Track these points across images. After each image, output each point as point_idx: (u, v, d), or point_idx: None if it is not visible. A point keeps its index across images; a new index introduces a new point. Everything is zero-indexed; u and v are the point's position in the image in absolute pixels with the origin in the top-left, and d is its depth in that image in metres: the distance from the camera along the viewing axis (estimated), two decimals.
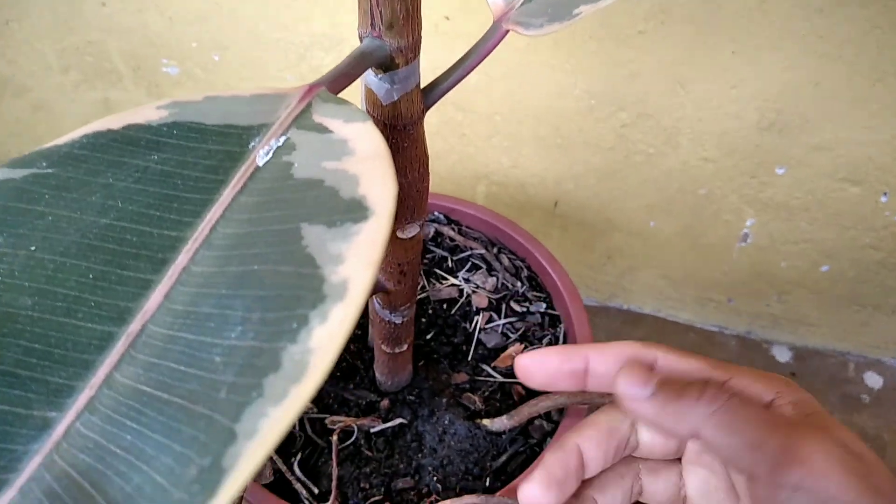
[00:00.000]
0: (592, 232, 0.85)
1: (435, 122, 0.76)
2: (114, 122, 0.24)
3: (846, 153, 0.69)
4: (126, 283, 0.20)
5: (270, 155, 0.22)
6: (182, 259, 0.20)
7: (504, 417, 0.53)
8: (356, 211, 0.17)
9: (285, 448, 0.52)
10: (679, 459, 0.35)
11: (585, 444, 0.34)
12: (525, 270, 0.63)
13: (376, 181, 0.18)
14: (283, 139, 0.22)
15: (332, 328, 0.15)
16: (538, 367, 0.35)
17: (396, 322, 0.47)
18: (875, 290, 0.81)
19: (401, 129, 0.33)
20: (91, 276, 0.20)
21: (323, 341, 0.14)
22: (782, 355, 0.91)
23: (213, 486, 0.14)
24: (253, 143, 0.23)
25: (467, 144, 0.79)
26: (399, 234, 0.39)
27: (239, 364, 0.15)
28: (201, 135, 0.23)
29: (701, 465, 0.33)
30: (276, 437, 0.14)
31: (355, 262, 0.15)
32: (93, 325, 0.19)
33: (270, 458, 0.50)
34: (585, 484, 0.35)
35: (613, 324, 0.93)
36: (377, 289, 0.43)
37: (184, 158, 0.23)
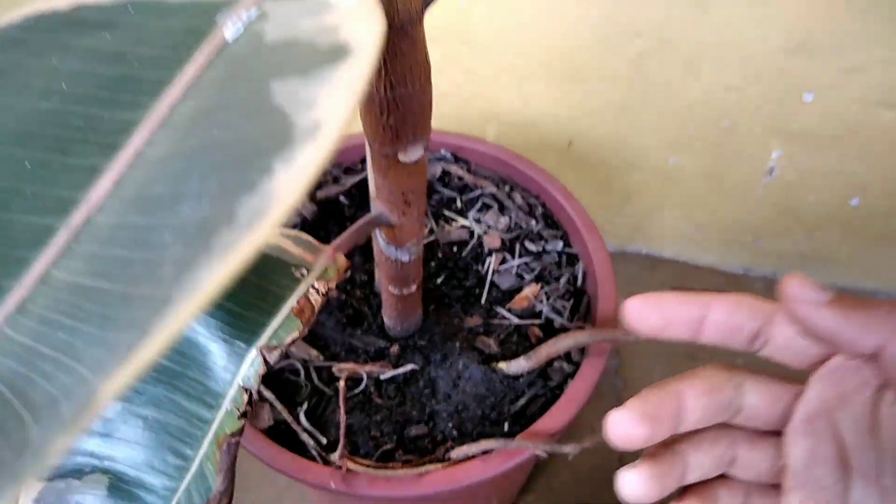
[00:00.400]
0: (609, 172, 0.81)
1: (438, 57, 0.72)
2: (60, 1, 0.21)
3: (881, 75, 0.64)
4: (70, 171, 0.16)
5: (241, 28, 0.19)
6: (136, 142, 0.17)
7: (521, 359, 0.50)
8: (335, 55, 0.14)
9: (290, 398, 0.49)
10: (776, 433, 0.32)
11: (688, 391, 0.31)
12: (539, 208, 0.59)
13: (359, 22, 0.14)
14: (254, 11, 0.19)
15: (298, 169, 0.11)
16: (653, 310, 0.31)
17: (403, 260, 0.44)
18: None
19: (398, 29, 0.29)
20: (28, 164, 0.17)
21: (285, 184, 0.11)
22: None
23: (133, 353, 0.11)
24: (221, 18, 0.19)
25: (474, 82, 0.75)
26: (401, 158, 0.36)
27: (190, 235, 0.12)
28: (161, 12, 0.20)
29: (810, 434, 0.30)
30: (212, 290, 0.11)
31: (330, 100, 0.12)
32: (28, 217, 0.16)
33: (268, 402, 0.48)
34: (678, 438, 0.32)
35: (632, 269, 0.90)
36: (380, 222, 0.40)
37: (140, 36, 0.19)
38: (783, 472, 0.31)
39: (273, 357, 0.33)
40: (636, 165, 0.79)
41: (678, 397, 0.30)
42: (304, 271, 0.36)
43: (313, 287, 0.35)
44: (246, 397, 0.33)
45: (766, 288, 0.88)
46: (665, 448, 0.32)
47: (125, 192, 0.16)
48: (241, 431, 0.33)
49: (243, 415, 0.32)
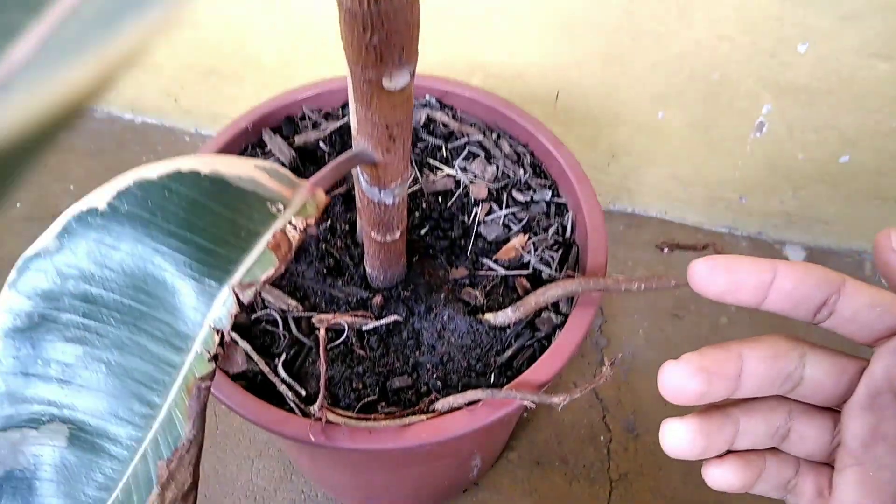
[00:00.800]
0: (596, 127, 0.79)
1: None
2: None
3: (880, 24, 0.62)
4: None
5: None
6: None
7: (508, 310, 0.48)
8: None
9: (267, 349, 0.47)
10: (832, 410, 0.30)
11: (750, 354, 0.29)
12: (528, 156, 0.57)
13: None
14: None
15: None
16: (722, 273, 0.29)
17: (387, 202, 0.42)
18: None
19: None
20: None
21: None
22: (795, 255, 0.86)
23: None
24: None
25: (460, 30, 0.72)
26: (386, 85, 0.33)
27: None
28: None
29: (873, 410, 0.28)
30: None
31: None
32: None
33: (241, 347, 0.46)
34: (732, 402, 0.30)
35: (617, 228, 0.88)
36: (362, 159, 0.38)
37: None
38: (839, 450, 0.29)
39: (247, 296, 0.31)
40: (624, 119, 0.77)
41: (739, 358, 0.28)
42: (281, 206, 0.33)
43: (290, 223, 0.32)
44: (217, 339, 0.30)
45: (751, 247, 0.87)
46: (717, 409, 0.30)
47: None
48: (211, 375, 0.30)
49: (214, 358, 0.30)
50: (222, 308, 0.31)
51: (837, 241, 0.86)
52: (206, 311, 0.31)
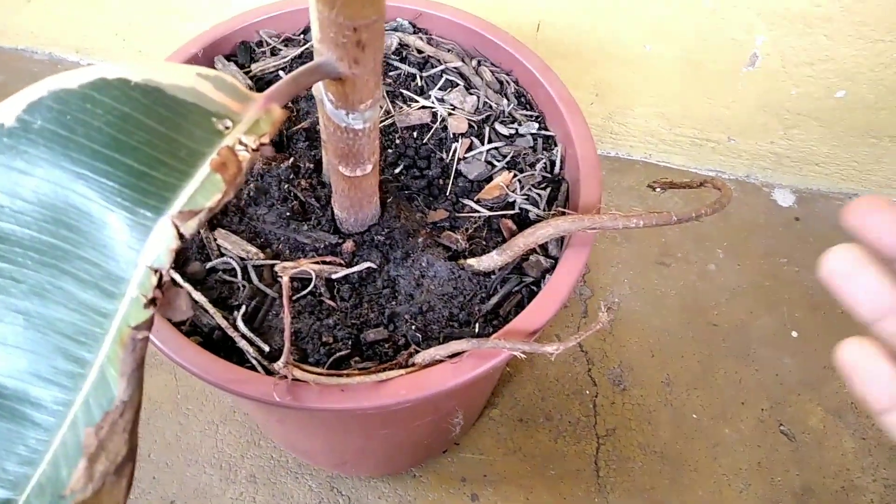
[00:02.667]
0: (580, 62, 0.73)
1: None
2: None
3: None
4: None
5: None
6: None
7: (494, 254, 0.44)
8: None
9: (225, 301, 0.42)
10: None
11: None
12: (512, 85, 0.52)
13: None
14: None
15: None
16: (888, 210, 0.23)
17: (356, 127, 0.36)
18: (894, 119, 0.72)
19: None
20: None
21: None
22: (785, 199, 0.82)
23: None
24: None
25: None
26: None
27: None
28: None
29: None
30: None
31: None
32: None
33: (181, 288, 0.40)
34: None
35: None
36: (325, 72, 0.32)
37: None
38: None
39: (189, 227, 0.25)
40: (610, 53, 0.72)
41: None
42: (229, 123, 0.28)
43: (240, 142, 0.27)
44: (155, 280, 0.25)
45: (739, 190, 0.83)
46: None
47: None
48: (149, 324, 0.25)
49: (152, 302, 0.25)
50: (160, 243, 0.25)
51: (828, 183, 0.82)
52: (141, 248, 0.26)
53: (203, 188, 0.26)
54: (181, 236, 0.25)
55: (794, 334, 0.73)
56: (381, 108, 0.49)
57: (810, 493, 0.64)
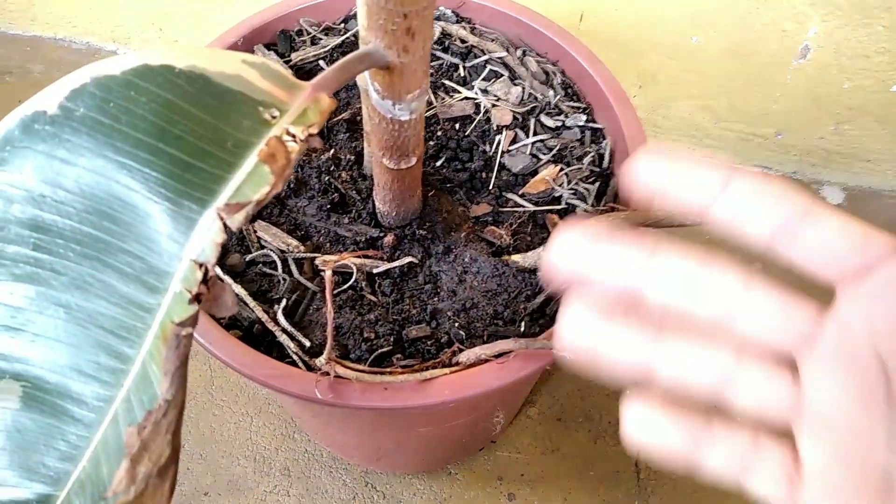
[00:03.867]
0: (623, 53, 0.71)
1: None
2: None
3: None
4: None
5: None
6: None
7: (541, 250, 0.42)
8: None
9: (265, 294, 0.41)
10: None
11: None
12: (558, 76, 0.50)
13: None
14: None
15: None
16: (666, 163, 0.22)
17: (402, 119, 0.35)
18: None
19: None
20: None
21: None
22: (834, 196, 0.80)
23: None
24: None
25: None
26: None
27: None
28: None
29: (847, 364, 0.21)
30: None
31: None
32: None
33: (224, 281, 0.40)
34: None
35: None
36: (373, 60, 0.31)
37: None
38: (801, 410, 0.22)
39: (236, 221, 0.24)
40: (653, 44, 0.70)
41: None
42: (276, 112, 0.27)
43: (288, 132, 0.26)
44: (200, 275, 0.24)
45: None
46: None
47: None
48: (193, 321, 0.24)
49: (196, 298, 0.24)
50: (205, 237, 0.24)
51: (880, 181, 0.79)
52: (186, 242, 0.25)
53: (250, 180, 0.25)
54: (227, 229, 0.24)
55: None
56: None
57: None
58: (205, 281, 0.24)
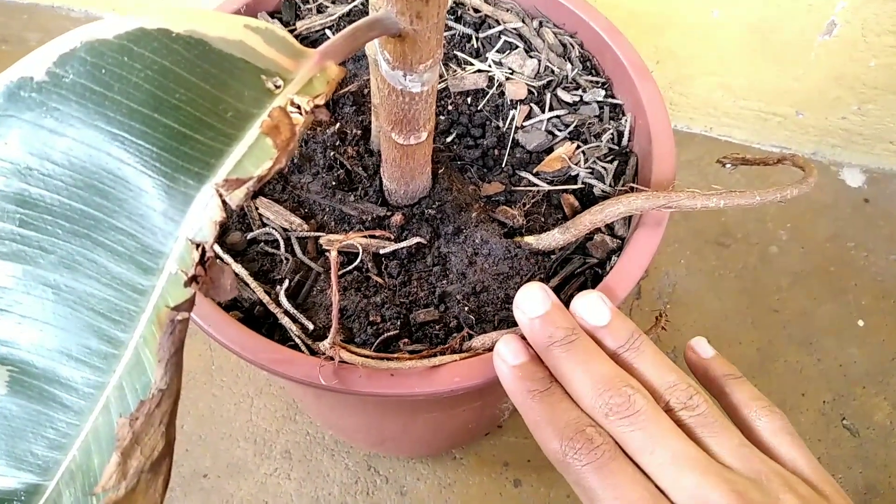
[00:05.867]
0: (640, 28, 0.69)
1: None
2: None
3: None
4: None
5: None
6: None
7: (556, 232, 0.40)
8: None
9: (266, 274, 0.39)
10: None
11: None
12: (576, 48, 0.48)
13: None
14: None
15: None
16: None
17: (413, 91, 0.33)
18: None
19: None
20: None
21: None
22: (854, 179, 0.77)
23: None
24: None
25: None
26: None
27: None
28: None
29: None
30: None
31: None
32: None
33: (223, 262, 0.38)
34: None
35: None
36: (384, 28, 0.29)
37: None
38: None
39: (235, 198, 0.22)
40: (672, 19, 0.68)
41: None
42: (280, 81, 0.25)
43: (293, 103, 0.24)
44: (197, 255, 0.22)
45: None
46: None
47: None
48: (189, 304, 0.23)
49: (193, 280, 0.22)
50: (203, 214, 0.23)
51: None
52: (182, 219, 0.23)
53: (252, 154, 0.23)
54: (226, 207, 0.23)
55: (861, 323, 0.69)
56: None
57: (874, 492, 0.61)
58: (202, 262, 0.23)
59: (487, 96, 0.47)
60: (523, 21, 0.48)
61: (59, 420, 0.25)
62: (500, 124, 0.46)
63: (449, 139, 0.46)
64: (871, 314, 0.69)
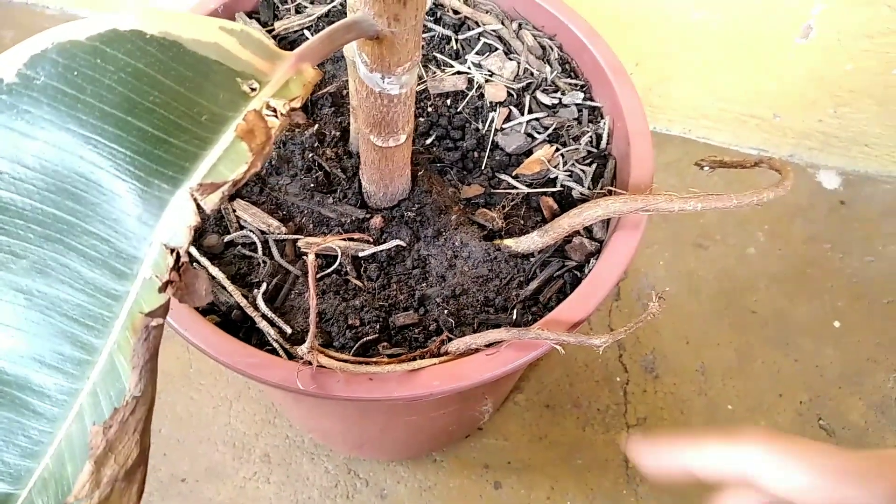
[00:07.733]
0: (619, 28, 0.69)
1: None
2: None
3: None
4: None
5: None
6: None
7: (535, 234, 0.40)
8: None
9: (244, 277, 0.39)
10: None
11: None
12: (555, 51, 0.48)
13: None
14: None
15: None
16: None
17: (391, 93, 0.33)
18: None
19: None
20: None
21: None
22: (830, 181, 0.78)
23: None
24: None
25: None
26: None
27: None
28: None
29: None
30: None
31: None
32: None
33: (202, 268, 0.38)
34: None
35: None
36: (361, 30, 0.29)
37: None
38: None
39: (210, 202, 0.22)
40: (652, 21, 0.68)
41: None
42: (255, 84, 0.24)
43: (269, 106, 0.24)
44: (171, 261, 0.22)
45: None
46: None
47: None
48: (164, 310, 0.22)
49: (167, 285, 0.22)
50: (177, 219, 0.22)
51: (878, 166, 0.78)
52: (156, 224, 0.23)
53: (227, 158, 0.23)
54: (201, 211, 0.22)
55: (837, 324, 0.70)
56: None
57: None
58: (177, 267, 0.22)
59: (467, 98, 0.47)
60: (503, 23, 0.48)
61: (31, 428, 0.25)
62: (480, 126, 0.46)
63: (428, 141, 0.46)
64: (847, 315, 0.70)
